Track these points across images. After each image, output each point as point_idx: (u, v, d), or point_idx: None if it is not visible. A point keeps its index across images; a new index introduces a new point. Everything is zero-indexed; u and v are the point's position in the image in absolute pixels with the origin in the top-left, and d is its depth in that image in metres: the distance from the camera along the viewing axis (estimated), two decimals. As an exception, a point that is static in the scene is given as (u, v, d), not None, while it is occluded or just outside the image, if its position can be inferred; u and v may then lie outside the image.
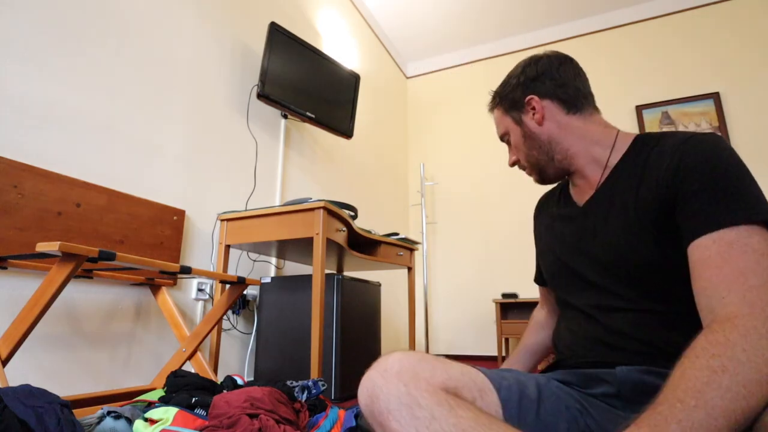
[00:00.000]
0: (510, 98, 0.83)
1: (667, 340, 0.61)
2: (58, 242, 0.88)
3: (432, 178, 4.02)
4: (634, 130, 3.34)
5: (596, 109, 0.79)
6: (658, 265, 0.62)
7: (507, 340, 3.21)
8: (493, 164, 3.78)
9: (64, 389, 1.27)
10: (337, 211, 1.69)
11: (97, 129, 1.47)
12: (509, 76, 0.84)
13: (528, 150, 0.81)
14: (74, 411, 0.86)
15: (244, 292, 1.94)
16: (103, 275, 1.34)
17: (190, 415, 0.96)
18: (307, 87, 2.35)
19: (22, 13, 1.30)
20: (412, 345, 2.46)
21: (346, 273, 2.42)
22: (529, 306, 3.18)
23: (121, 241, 1.46)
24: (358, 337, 1.91)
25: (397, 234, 2.34)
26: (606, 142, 0.75)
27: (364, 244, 2.16)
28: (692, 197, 0.58)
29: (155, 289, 1.53)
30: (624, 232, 0.66)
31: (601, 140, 0.75)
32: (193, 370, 1.42)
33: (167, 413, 0.94)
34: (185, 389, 1.12)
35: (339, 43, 3.13)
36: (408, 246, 2.46)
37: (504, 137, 0.86)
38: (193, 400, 1.02)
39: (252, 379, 1.85)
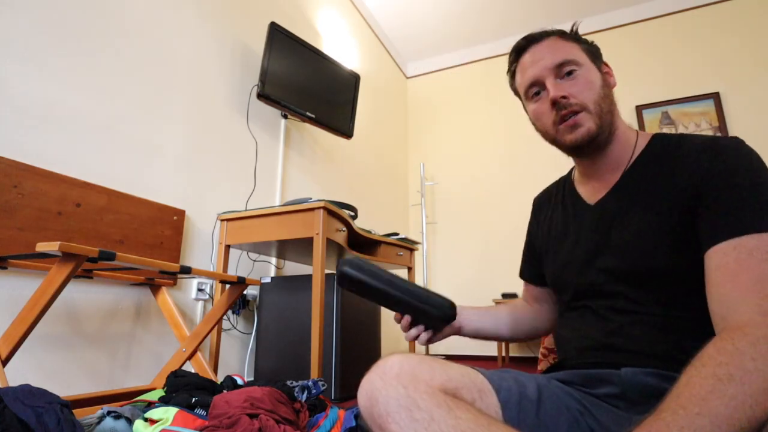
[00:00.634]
0: (586, 42, 0.75)
1: (677, 346, 0.60)
2: (58, 242, 0.89)
3: (432, 178, 4.02)
4: (634, 130, 3.34)
5: None
6: (673, 271, 0.61)
7: (507, 340, 3.21)
8: (493, 164, 3.78)
9: (64, 389, 1.27)
10: (337, 211, 1.69)
11: (97, 129, 1.47)
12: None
13: (599, 95, 0.70)
14: (74, 411, 0.86)
15: (244, 292, 1.94)
16: (103, 275, 1.34)
17: (190, 415, 0.96)
18: (307, 87, 2.35)
19: (22, 13, 1.30)
20: (412, 345, 2.46)
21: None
22: (528, 306, 3.18)
23: (121, 241, 1.46)
24: (358, 337, 1.91)
25: (397, 234, 2.35)
26: (629, 141, 0.73)
27: (364, 244, 2.16)
28: (714, 203, 0.57)
29: (155, 289, 1.54)
30: (641, 237, 0.64)
31: (625, 137, 0.73)
32: (193, 370, 1.42)
33: (167, 413, 0.94)
34: (185, 389, 1.12)
35: (339, 43, 3.13)
36: (408, 246, 2.46)
37: (563, 66, 0.70)
38: (193, 400, 1.02)
39: (252, 379, 1.85)
